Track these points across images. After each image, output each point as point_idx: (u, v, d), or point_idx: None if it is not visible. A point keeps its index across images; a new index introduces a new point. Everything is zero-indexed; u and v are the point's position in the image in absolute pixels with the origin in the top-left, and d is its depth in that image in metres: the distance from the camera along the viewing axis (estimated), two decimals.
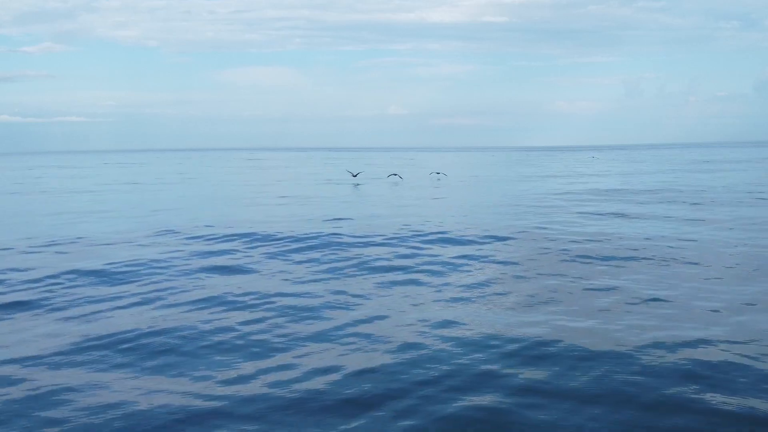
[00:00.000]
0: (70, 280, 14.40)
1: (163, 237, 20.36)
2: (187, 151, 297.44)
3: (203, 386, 8.21)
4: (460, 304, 11.84)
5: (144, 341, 10.03)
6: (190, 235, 20.47)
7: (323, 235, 19.72)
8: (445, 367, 8.54)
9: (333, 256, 16.66)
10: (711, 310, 11.05)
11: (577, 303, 11.71)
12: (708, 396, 7.51)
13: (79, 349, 9.77)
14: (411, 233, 20.25)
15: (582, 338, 9.53)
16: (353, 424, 7.13)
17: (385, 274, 14.53)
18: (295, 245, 18.24)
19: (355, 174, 49.71)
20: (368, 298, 12.42)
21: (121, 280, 14.36)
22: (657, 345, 9.14)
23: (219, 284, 13.75)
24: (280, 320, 10.97)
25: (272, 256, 16.96)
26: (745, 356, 8.67)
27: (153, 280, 14.28)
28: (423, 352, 9.17)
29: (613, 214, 25.19)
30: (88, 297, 12.91)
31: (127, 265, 15.75)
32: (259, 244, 18.71)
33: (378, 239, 19.24)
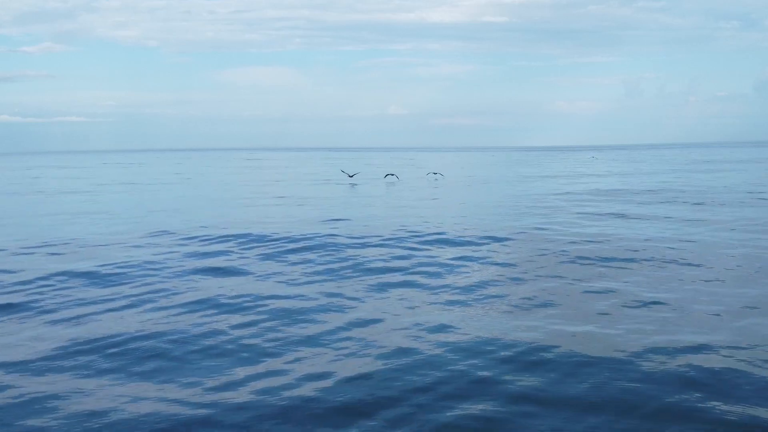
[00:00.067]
0: (61, 282, 14.17)
1: (158, 238, 20.14)
2: (187, 151, 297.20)
3: (191, 393, 7.98)
4: (456, 307, 11.61)
5: (132, 345, 9.81)
6: (185, 236, 20.24)
7: (319, 236, 19.49)
8: (439, 374, 8.31)
9: (328, 258, 16.43)
10: (712, 314, 10.82)
11: (575, 306, 11.48)
12: (711, 404, 7.27)
13: (65, 354, 9.54)
14: (408, 234, 20.03)
15: (580, 343, 9.30)
16: None
17: (381, 276, 14.30)
18: (290, 246, 18.01)
19: (351, 175, 49.40)
20: (363, 301, 12.19)
21: (113, 281, 14.14)
22: (657, 350, 8.90)
23: (212, 286, 13.53)
24: (272, 323, 10.74)
25: (267, 257, 16.74)
26: (748, 363, 8.44)
27: (145, 281, 14.05)
28: (417, 357, 8.94)
29: (613, 214, 24.97)
30: (78, 299, 12.69)
31: (119, 267, 15.53)
32: (254, 245, 18.48)
33: (375, 240, 19.02)
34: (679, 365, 8.36)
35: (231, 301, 12.23)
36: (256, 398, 7.74)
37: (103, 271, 14.99)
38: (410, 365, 8.64)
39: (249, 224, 22.88)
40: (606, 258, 15.79)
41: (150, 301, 12.37)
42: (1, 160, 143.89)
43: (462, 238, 19.17)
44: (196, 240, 19.53)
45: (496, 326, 10.31)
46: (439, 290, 12.92)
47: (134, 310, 11.81)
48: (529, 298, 12.08)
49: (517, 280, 13.72)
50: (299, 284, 13.65)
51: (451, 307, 11.58)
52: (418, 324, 10.49)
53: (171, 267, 15.49)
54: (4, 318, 11.46)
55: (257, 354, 9.30)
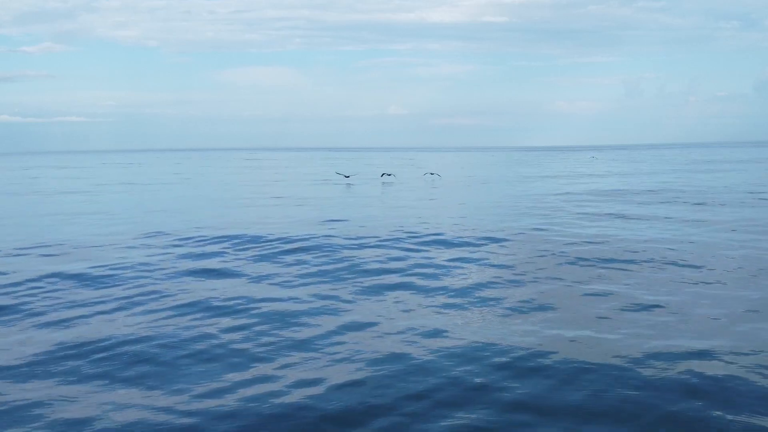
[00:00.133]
0: (51, 283, 13.95)
1: (153, 239, 19.91)
2: (187, 151, 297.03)
3: (177, 400, 7.76)
4: (452, 310, 11.37)
5: (120, 350, 9.58)
6: (180, 237, 20.01)
7: (315, 237, 19.27)
8: (434, 380, 8.07)
9: (324, 259, 16.20)
10: (714, 318, 10.59)
11: (574, 309, 11.25)
12: (713, 413, 7.03)
13: (51, 358, 9.32)
14: (406, 235, 19.80)
15: (578, 349, 9.07)
16: None
17: (377, 278, 14.07)
18: (286, 247, 17.78)
19: (346, 176, 49.09)
20: (357, 304, 11.97)
21: (105, 283, 13.92)
22: (658, 356, 8.66)
23: (204, 288, 13.29)
24: (264, 327, 10.51)
25: (262, 258, 16.50)
26: (751, 369, 8.19)
27: (137, 283, 13.83)
28: (412, 363, 8.70)
29: (612, 215, 24.74)
30: (68, 302, 12.47)
31: (112, 269, 15.31)
32: (249, 246, 18.24)
33: (372, 241, 18.79)
34: (680, 372, 8.11)
35: (223, 303, 12.00)
36: (245, 406, 7.51)
37: (95, 273, 14.76)
38: (404, 371, 8.41)
39: (245, 225, 22.66)
40: (605, 259, 15.56)
41: (140, 303, 12.15)
42: (0, 160, 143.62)
43: (460, 239, 18.95)
44: (191, 241, 19.30)
45: (493, 331, 10.07)
46: (435, 293, 12.69)
47: (124, 312, 11.59)
48: (526, 301, 11.84)
49: (514, 282, 13.49)
50: (293, 286, 13.42)
51: (447, 311, 11.35)
52: (413, 328, 10.26)
53: (164, 268, 15.26)
54: None
55: (247, 359, 9.07)
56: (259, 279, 14.20)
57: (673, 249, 16.73)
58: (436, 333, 9.97)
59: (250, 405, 7.52)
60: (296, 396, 7.74)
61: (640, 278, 13.60)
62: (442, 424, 6.98)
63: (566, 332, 9.87)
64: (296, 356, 9.14)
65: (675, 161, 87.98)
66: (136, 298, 12.54)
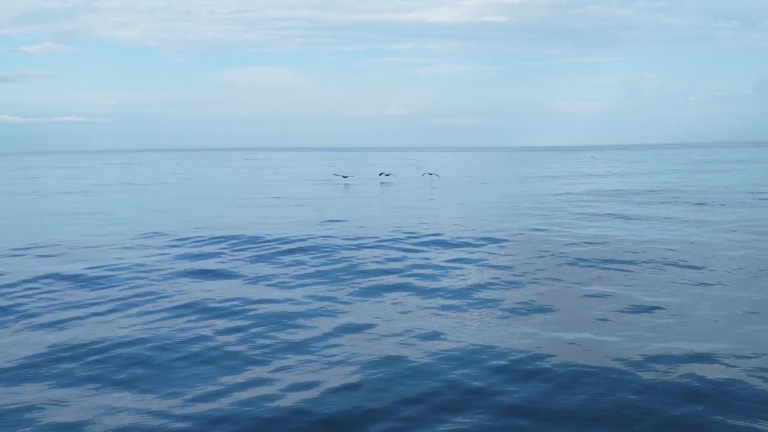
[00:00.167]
0: (46, 284, 13.84)
1: (150, 239, 19.80)
2: (187, 151, 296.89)
3: (170, 404, 7.64)
4: (450, 312, 11.26)
5: (114, 352, 9.47)
6: (177, 238, 19.90)
7: (314, 238, 19.15)
8: (431, 384, 7.95)
9: (322, 260, 16.09)
10: (714, 320, 10.47)
11: (573, 311, 11.13)
12: (714, 418, 6.90)
13: (45, 361, 9.21)
14: (404, 235, 19.69)
15: (578, 352, 8.95)
16: None
17: (375, 279, 13.96)
18: (283, 248, 17.66)
19: (344, 176, 48.93)
20: (355, 305, 11.85)
21: (101, 284, 13.81)
22: (658, 359, 8.54)
23: (201, 289, 13.18)
24: (259, 329, 10.40)
25: (259, 259, 16.39)
26: (753, 373, 8.06)
27: (133, 284, 13.72)
28: (408, 366, 8.58)
29: (612, 215, 24.63)
30: (62, 303, 12.36)
31: (108, 269, 15.20)
32: (247, 246, 18.13)
33: (370, 242, 18.68)
34: (681, 376, 7.99)
35: (219, 305, 11.89)
36: (239, 410, 7.40)
37: (91, 274, 14.66)
38: (401, 374, 8.30)
39: (243, 225, 22.55)
40: (605, 260, 15.45)
41: (136, 305, 12.04)
42: (0, 160, 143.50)
43: (459, 240, 18.83)
44: (188, 241, 19.19)
45: (491, 333, 9.96)
46: (433, 294, 12.57)
47: (119, 314, 11.48)
48: (525, 303, 11.73)
49: (513, 283, 13.37)
50: (290, 287, 13.31)
51: (445, 312, 11.23)
52: (410, 330, 10.15)
53: (161, 269, 15.15)
54: None
55: (242, 362, 8.96)
56: (256, 280, 14.09)
57: (673, 250, 16.62)
58: (434, 335, 9.85)
59: (245, 409, 7.41)
60: (291, 400, 7.63)
61: (640, 279, 13.49)
62: (440, 429, 6.87)
63: (565, 334, 9.75)
64: (292, 359, 9.03)
65: (675, 161, 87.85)
66: (131, 300, 12.43)
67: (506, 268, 14.94)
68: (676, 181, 45.21)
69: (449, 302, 11.89)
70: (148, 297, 12.65)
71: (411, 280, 13.86)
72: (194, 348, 9.58)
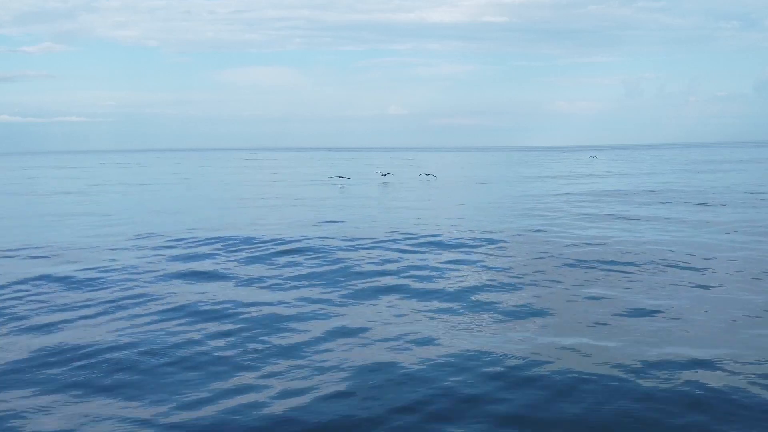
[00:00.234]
0: (36, 286, 13.62)
1: (145, 240, 19.57)
2: (187, 151, 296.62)
3: (156, 412, 7.41)
4: (445, 315, 11.01)
5: (101, 357, 9.24)
6: (172, 239, 19.66)
7: (310, 239, 18.92)
8: (424, 391, 7.71)
9: (318, 261, 15.86)
10: (716, 324, 10.23)
11: (571, 315, 10.88)
12: (717, 429, 6.67)
13: (29, 366, 8.99)
14: (402, 236, 19.45)
15: (576, 358, 8.70)
16: None
17: (370, 281, 13.72)
18: (279, 249, 17.42)
19: (341, 176, 48.65)
20: (349, 308, 11.62)
21: (92, 286, 13.58)
22: (659, 366, 8.29)
23: (193, 292, 12.95)
24: (251, 333, 10.16)
25: (254, 260, 16.15)
26: (756, 380, 7.81)
27: (125, 287, 13.49)
28: (402, 372, 8.34)
29: (612, 215, 24.39)
30: (52, 306, 12.14)
31: (100, 271, 14.98)
32: (242, 247, 17.89)
33: (367, 243, 18.44)
34: (682, 383, 7.73)
35: (210, 308, 11.66)
36: (225, 418, 7.16)
37: (82, 276, 14.43)
38: (394, 381, 8.05)
39: (239, 226, 22.31)
40: (605, 261, 15.21)
41: (126, 307, 11.81)
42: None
43: (457, 241, 18.59)
44: (183, 242, 18.95)
45: (487, 338, 9.71)
46: (429, 297, 12.33)
47: (108, 317, 11.24)
48: (523, 306, 11.49)
49: (511, 285, 13.13)
50: (284, 290, 13.08)
51: (441, 316, 10.99)
52: (404, 334, 9.90)
53: (153, 271, 14.92)
54: None
55: (231, 367, 8.72)
56: (249, 282, 13.85)
57: (673, 251, 16.39)
58: (429, 340, 9.60)
59: (231, 417, 7.18)
60: (280, 407, 7.40)
61: (641, 281, 13.25)
62: None
63: (563, 339, 9.50)
64: (282, 364, 8.79)
65: (675, 161, 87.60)
66: (122, 302, 12.20)
67: (504, 269, 14.70)
68: (676, 181, 44.98)
69: (445, 305, 11.65)
70: (139, 299, 12.42)
71: (407, 282, 13.63)
72: (183, 353, 9.35)
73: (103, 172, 75.27)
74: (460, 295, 12.36)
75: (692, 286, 12.76)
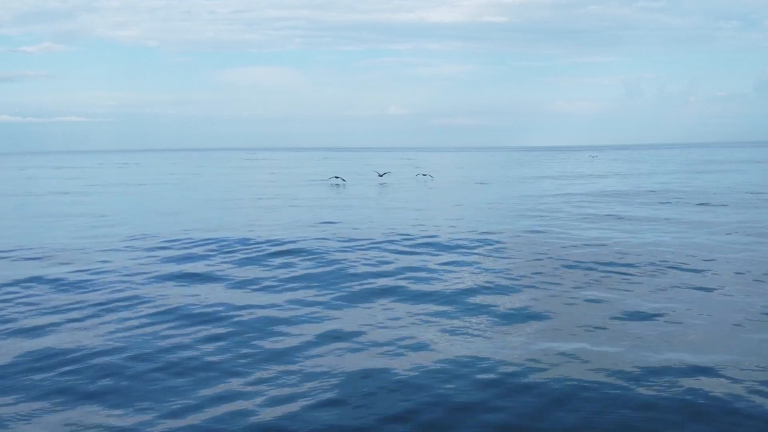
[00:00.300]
0: (27, 288, 13.40)
1: (139, 242, 19.33)
2: (187, 151, 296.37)
3: (141, 420, 7.18)
4: (441, 319, 10.77)
5: (88, 362, 9.00)
6: (166, 240, 19.43)
7: (306, 240, 18.69)
8: (418, 399, 7.47)
9: (313, 263, 15.62)
10: (718, 329, 9.99)
11: (569, 319, 10.64)
12: None
13: (14, 372, 8.76)
14: (399, 237, 19.22)
15: (574, 364, 8.45)
16: None
17: (365, 283, 13.48)
18: (274, 250, 17.19)
19: (336, 177, 48.37)
20: (343, 311, 11.38)
21: (83, 289, 13.36)
22: (659, 372, 8.05)
23: (184, 294, 12.72)
24: (242, 337, 9.93)
25: (248, 262, 15.91)
26: (758, 389, 7.55)
27: (116, 289, 13.26)
28: (395, 379, 8.10)
29: (612, 216, 24.16)
30: (41, 308, 11.91)
31: (92, 273, 14.75)
32: (237, 249, 17.65)
33: (364, 244, 18.21)
34: (684, 391, 7.48)
35: (202, 311, 11.43)
36: (211, 427, 6.93)
37: (73, 278, 14.20)
38: (386, 389, 7.81)
39: (235, 227, 22.09)
40: (604, 263, 14.98)
41: (115, 310, 11.57)
42: None
43: (454, 242, 18.36)
44: (177, 244, 18.72)
45: (482, 343, 9.47)
46: (425, 299, 12.09)
47: (97, 320, 11.01)
48: (520, 309, 11.25)
49: (508, 288, 12.89)
50: (278, 292, 12.85)
51: (436, 320, 10.75)
52: (398, 339, 9.67)
53: (145, 273, 14.69)
54: None
55: (220, 373, 8.49)
56: (242, 284, 13.62)
57: (673, 252, 16.16)
58: (423, 345, 9.36)
59: (217, 427, 6.95)
60: (268, 416, 7.17)
61: (641, 284, 13.02)
62: None
63: (561, 345, 9.25)
64: (272, 370, 8.56)
65: (675, 161, 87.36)
66: (111, 305, 11.97)
67: (502, 271, 14.47)
68: (676, 181, 44.75)
69: (441, 308, 11.41)
70: (130, 302, 12.19)
71: (403, 284, 13.40)
72: (171, 358, 9.12)
73: (102, 172, 75.04)
74: (456, 297, 12.13)
75: (693, 289, 12.53)
